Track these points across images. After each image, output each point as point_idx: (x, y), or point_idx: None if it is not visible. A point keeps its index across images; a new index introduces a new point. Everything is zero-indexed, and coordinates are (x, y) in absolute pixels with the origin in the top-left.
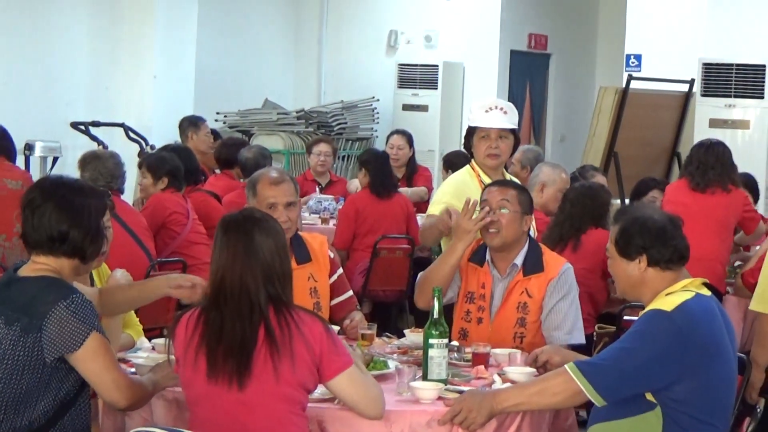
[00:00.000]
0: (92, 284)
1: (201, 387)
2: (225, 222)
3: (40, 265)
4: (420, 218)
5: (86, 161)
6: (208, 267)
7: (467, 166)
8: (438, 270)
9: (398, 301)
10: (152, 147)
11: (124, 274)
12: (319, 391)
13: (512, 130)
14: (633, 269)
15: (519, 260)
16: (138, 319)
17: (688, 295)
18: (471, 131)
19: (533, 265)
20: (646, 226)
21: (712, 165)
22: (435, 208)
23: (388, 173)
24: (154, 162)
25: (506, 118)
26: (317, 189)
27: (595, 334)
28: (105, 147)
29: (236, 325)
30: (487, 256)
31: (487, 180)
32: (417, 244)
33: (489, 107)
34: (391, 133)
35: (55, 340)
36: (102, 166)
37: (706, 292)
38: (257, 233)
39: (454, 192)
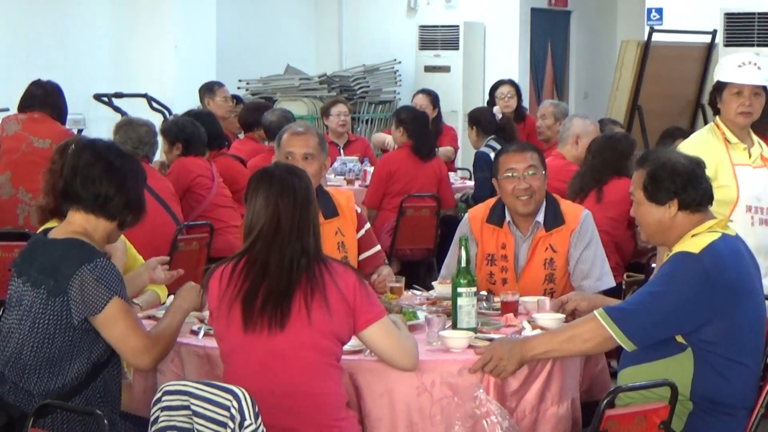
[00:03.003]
0: None
1: (235, 338)
2: (271, 172)
3: (72, 226)
4: (453, 177)
5: (119, 126)
6: (235, 229)
7: (711, 124)
8: None
9: (426, 259)
10: (172, 118)
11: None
12: (350, 343)
13: (765, 88)
14: (663, 214)
15: (540, 217)
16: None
17: (714, 236)
18: (720, 86)
19: (554, 219)
20: (676, 170)
21: None
22: None
23: (428, 134)
24: (167, 128)
25: (760, 74)
26: (340, 151)
27: (624, 283)
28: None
29: (283, 270)
30: (507, 217)
31: (733, 138)
32: (448, 206)
33: (742, 62)
34: (416, 93)
35: (79, 303)
36: (132, 132)
37: (732, 232)
38: (309, 185)
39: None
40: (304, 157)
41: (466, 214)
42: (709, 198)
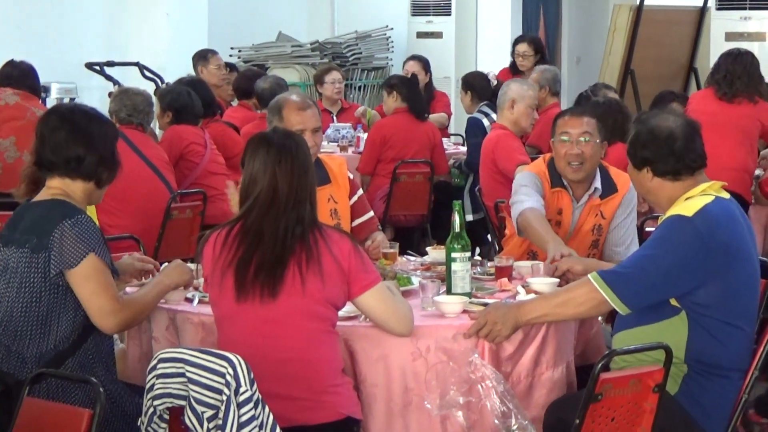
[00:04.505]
0: None
1: (228, 305)
2: (270, 138)
3: (53, 190)
4: (446, 143)
5: (115, 95)
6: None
7: None
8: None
9: (419, 225)
10: (167, 85)
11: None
12: (345, 309)
13: None
14: (642, 178)
15: (598, 183)
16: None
17: (707, 199)
18: None
19: (609, 186)
20: (653, 136)
21: (739, 75)
22: None
23: (420, 96)
24: (163, 93)
25: None
26: (333, 118)
27: None
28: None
29: (277, 240)
30: (565, 182)
31: None
32: (441, 172)
33: None
34: (407, 60)
35: (57, 255)
36: (127, 99)
37: (725, 195)
38: (307, 152)
39: None
40: (314, 131)
41: (532, 173)
42: (689, 166)
